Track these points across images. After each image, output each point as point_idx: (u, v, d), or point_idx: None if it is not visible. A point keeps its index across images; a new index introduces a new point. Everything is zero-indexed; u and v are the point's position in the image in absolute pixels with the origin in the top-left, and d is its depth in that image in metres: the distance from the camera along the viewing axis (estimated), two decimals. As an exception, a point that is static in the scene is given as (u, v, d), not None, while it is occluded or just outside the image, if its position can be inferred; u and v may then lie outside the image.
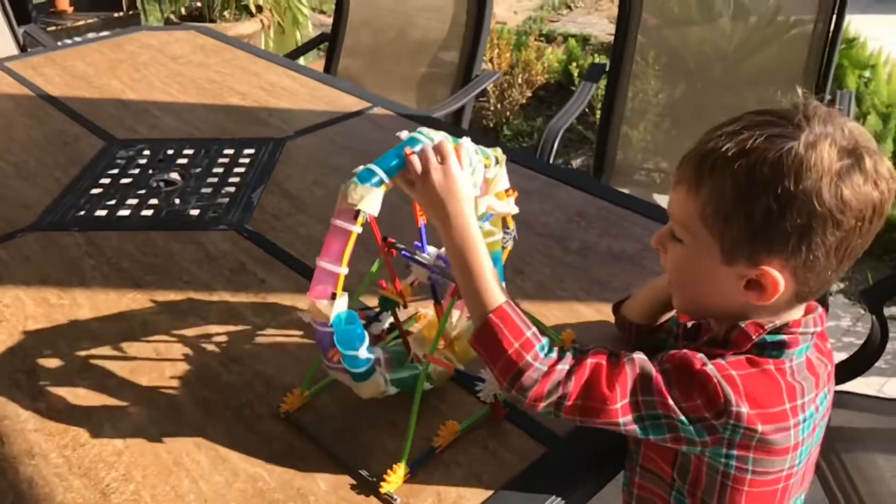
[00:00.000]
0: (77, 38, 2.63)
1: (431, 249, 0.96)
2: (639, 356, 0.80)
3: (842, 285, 2.45)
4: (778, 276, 0.76)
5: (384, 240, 0.93)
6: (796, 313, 0.82)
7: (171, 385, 1.02)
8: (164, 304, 1.17)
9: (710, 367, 0.77)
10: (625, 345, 0.98)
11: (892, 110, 2.81)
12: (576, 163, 3.22)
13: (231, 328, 1.12)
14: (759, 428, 0.77)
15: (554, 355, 0.80)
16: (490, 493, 0.86)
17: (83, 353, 1.08)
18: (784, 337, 0.80)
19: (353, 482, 0.88)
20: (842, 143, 0.74)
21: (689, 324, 0.91)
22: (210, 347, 1.08)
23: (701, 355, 0.79)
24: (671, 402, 0.77)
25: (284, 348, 1.08)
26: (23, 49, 2.58)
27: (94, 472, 0.90)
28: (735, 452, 0.79)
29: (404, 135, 0.87)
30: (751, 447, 0.78)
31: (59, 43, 2.49)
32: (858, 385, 1.41)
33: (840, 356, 1.48)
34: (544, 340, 0.81)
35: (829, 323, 2.23)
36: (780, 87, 2.17)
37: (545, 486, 0.87)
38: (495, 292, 0.82)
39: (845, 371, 1.38)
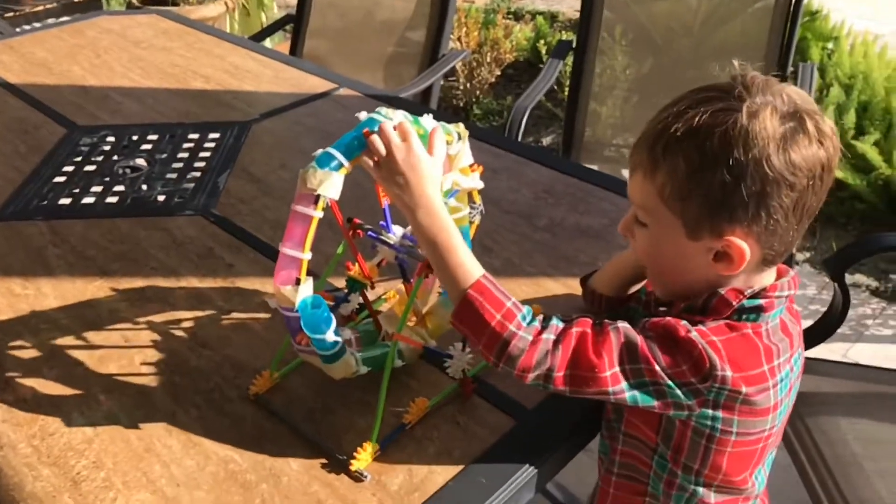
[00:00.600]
0: (36, 24, 2.58)
1: (397, 229, 0.96)
2: (623, 324, 0.81)
3: (807, 255, 2.49)
4: (743, 244, 0.79)
5: (349, 220, 0.93)
6: (769, 277, 0.85)
7: (139, 371, 1.01)
8: (131, 291, 1.17)
9: (693, 334, 0.79)
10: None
11: (854, 81, 2.84)
12: (546, 140, 3.23)
13: (199, 313, 1.11)
14: (743, 389, 0.79)
15: (537, 324, 0.81)
16: (461, 467, 0.87)
17: (50, 342, 1.07)
18: (761, 301, 0.82)
19: (325, 461, 0.88)
20: (783, 109, 0.77)
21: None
22: (178, 333, 1.08)
23: (684, 322, 0.80)
24: (657, 368, 0.79)
25: (253, 331, 1.08)
26: (-21, 36, 2.52)
27: (64, 461, 0.89)
28: (720, 414, 0.81)
29: (363, 115, 0.87)
30: (735, 409, 0.81)
31: (18, 29, 2.44)
32: (823, 351, 1.44)
33: (806, 324, 1.51)
34: (525, 309, 0.81)
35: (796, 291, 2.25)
36: (746, 61, 2.19)
37: (516, 458, 0.88)
38: (471, 267, 0.82)
39: (809, 338, 1.40)
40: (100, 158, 1.54)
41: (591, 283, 1.05)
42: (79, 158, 1.55)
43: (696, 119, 0.77)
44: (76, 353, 1.05)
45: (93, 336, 1.08)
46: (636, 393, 0.80)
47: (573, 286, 1.13)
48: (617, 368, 0.79)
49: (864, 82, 2.83)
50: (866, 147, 2.59)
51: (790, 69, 2.06)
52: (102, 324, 1.10)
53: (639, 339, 0.80)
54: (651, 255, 0.87)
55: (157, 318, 1.11)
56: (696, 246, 0.81)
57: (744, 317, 0.82)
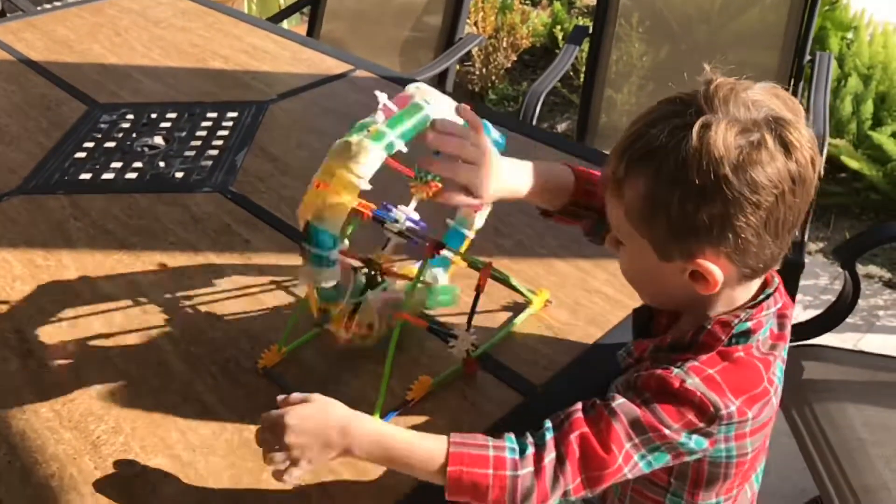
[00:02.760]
0: (57, 3, 2.60)
1: (401, 210, 0.95)
2: (618, 403, 0.77)
3: (821, 245, 2.49)
4: (712, 267, 0.75)
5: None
6: (753, 287, 0.82)
7: (157, 342, 1.04)
8: (150, 264, 1.19)
9: (689, 382, 0.76)
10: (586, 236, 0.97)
11: (873, 72, 2.82)
12: (561, 127, 3.23)
13: (216, 287, 1.14)
14: (750, 415, 0.78)
15: (531, 450, 0.76)
16: (469, 440, 0.89)
17: (70, 311, 1.10)
18: (749, 325, 0.80)
19: (337, 432, 0.90)
20: (745, 120, 0.72)
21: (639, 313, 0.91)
22: (195, 305, 1.10)
23: (675, 371, 0.77)
24: (666, 431, 0.76)
25: (268, 306, 1.10)
26: (2, 14, 2.56)
27: (84, 425, 0.92)
28: (734, 444, 0.80)
29: (383, 97, 0.87)
30: (746, 433, 0.80)
31: (39, 8, 2.46)
32: (834, 340, 1.45)
33: (815, 312, 1.52)
34: (508, 440, 0.77)
35: (807, 281, 2.29)
36: (763, 49, 2.19)
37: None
38: (432, 447, 0.77)
39: (817, 325, 1.42)
40: (119, 135, 1.57)
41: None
42: (99, 135, 1.57)
43: (655, 138, 0.73)
44: (96, 323, 1.07)
45: (112, 307, 1.10)
46: (650, 458, 0.77)
47: (583, 267, 1.15)
48: (627, 447, 0.76)
49: (883, 73, 2.80)
50: (883, 138, 2.58)
51: (808, 58, 2.05)
52: (121, 295, 1.13)
53: (638, 410, 0.76)
54: (630, 272, 0.85)
55: (175, 290, 1.13)
56: (669, 266, 0.78)
57: (733, 342, 0.80)
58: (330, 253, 0.87)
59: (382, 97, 0.87)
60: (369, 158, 0.82)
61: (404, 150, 0.84)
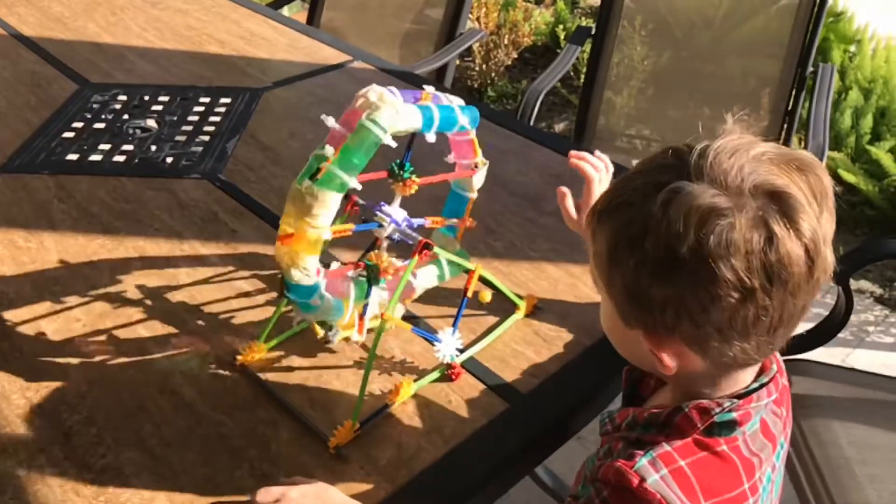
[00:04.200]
0: (54, -21, 2.55)
1: (394, 210, 0.94)
2: None
3: (814, 258, 2.47)
4: (666, 357, 0.66)
5: (347, 198, 0.91)
6: (745, 375, 0.70)
7: (136, 330, 1.02)
8: (134, 249, 1.17)
9: (649, 482, 0.65)
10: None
11: (874, 86, 2.81)
12: (559, 127, 3.21)
13: (200, 276, 1.11)
14: None
15: None
16: (451, 446, 0.87)
17: (49, 296, 1.07)
18: (735, 415, 0.68)
19: (316, 432, 0.88)
20: (725, 191, 0.60)
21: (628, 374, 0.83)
22: (178, 295, 1.08)
23: (638, 464, 0.66)
24: None
25: (252, 298, 1.08)
26: (-3, -13, 2.51)
27: (56, 415, 0.90)
28: None
29: (330, 121, 0.84)
30: None
31: (35, -18, 2.42)
32: (823, 355, 1.43)
33: (806, 326, 1.50)
34: None
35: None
36: (766, 58, 2.17)
37: (506, 441, 0.88)
38: None
39: (808, 340, 1.40)
40: (110, 116, 1.54)
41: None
42: (89, 115, 1.54)
43: (631, 192, 0.64)
44: (75, 309, 1.05)
45: (92, 292, 1.08)
46: None
47: (574, 272, 1.13)
48: None
49: (884, 87, 2.80)
50: (881, 153, 2.57)
51: (810, 69, 2.03)
52: (103, 281, 1.10)
53: None
54: (604, 325, 0.75)
55: (158, 278, 1.11)
56: (632, 333, 0.68)
57: (714, 432, 0.68)
58: (312, 299, 0.86)
59: (329, 121, 0.85)
60: (324, 208, 0.81)
61: (358, 187, 0.83)
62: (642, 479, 0.66)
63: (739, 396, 0.69)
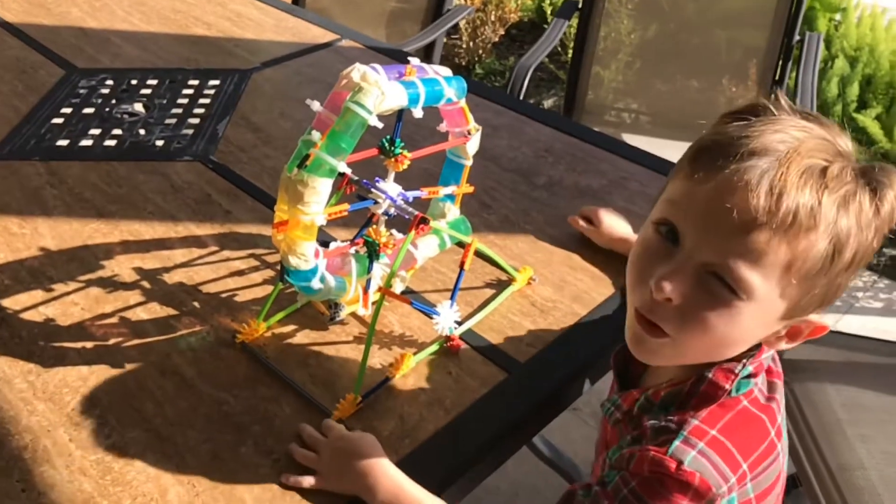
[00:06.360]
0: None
1: (389, 185, 0.94)
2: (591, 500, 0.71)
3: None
4: (827, 321, 0.70)
5: (342, 175, 0.92)
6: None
7: (134, 312, 1.02)
8: (129, 233, 1.17)
9: (687, 462, 0.67)
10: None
11: (859, 54, 2.82)
12: (547, 103, 3.20)
13: (196, 258, 1.12)
14: (750, 484, 0.71)
15: None
16: (452, 416, 0.88)
17: (46, 281, 1.07)
18: (751, 368, 0.72)
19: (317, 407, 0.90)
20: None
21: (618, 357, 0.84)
22: (174, 276, 1.08)
23: (672, 449, 0.68)
24: None
25: (249, 277, 1.08)
26: (-23, -26, 2.48)
27: (59, 397, 0.90)
28: None
29: (315, 105, 0.85)
30: (752, 502, 0.72)
31: (15, -32, 2.39)
32: (813, 321, 1.45)
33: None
34: None
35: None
36: (752, 28, 2.18)
37: (506, 410, 0.89)
38: None
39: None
40: (98, 101, 1.53)
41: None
42: (77, 100, 1.53)
43: (849, 189, 0.65)
44: (72, 293, 1.05)
45: (89, 276, 1.08)
46: None
47: (570, 245, 1.14)
48: None
49: (870, 55, 2.80)
50: (867, 121, 2.58)
51: (796, 38, 2.04)
52: (99, 265, 1.10)
53: None
54: (718, 328, 0.67)
55: (154, 261, 1.11)
56: (780, 324, 0.69)
57: (733, 391, 0.71)
58: (312, 282, 0.88)
59: (314, 105, 0.86)
60: (315, 195, 0.82)
61: (348, 171, 0.84)
62: (679, 463, 0.67)
63: (754, 349, 0.72)
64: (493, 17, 3.43)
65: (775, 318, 0.68)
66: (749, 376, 0.72)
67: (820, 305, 0.68)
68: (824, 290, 0.66)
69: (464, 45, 3.43)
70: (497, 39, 3.48)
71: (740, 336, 0.69)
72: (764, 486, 0.73)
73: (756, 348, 0.72)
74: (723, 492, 0.68)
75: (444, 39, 2.80)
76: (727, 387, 0.70)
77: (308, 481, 0.81)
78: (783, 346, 0.72)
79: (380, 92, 0.83)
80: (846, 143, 0.68)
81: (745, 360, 0.71)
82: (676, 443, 0.68)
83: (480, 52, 3.43)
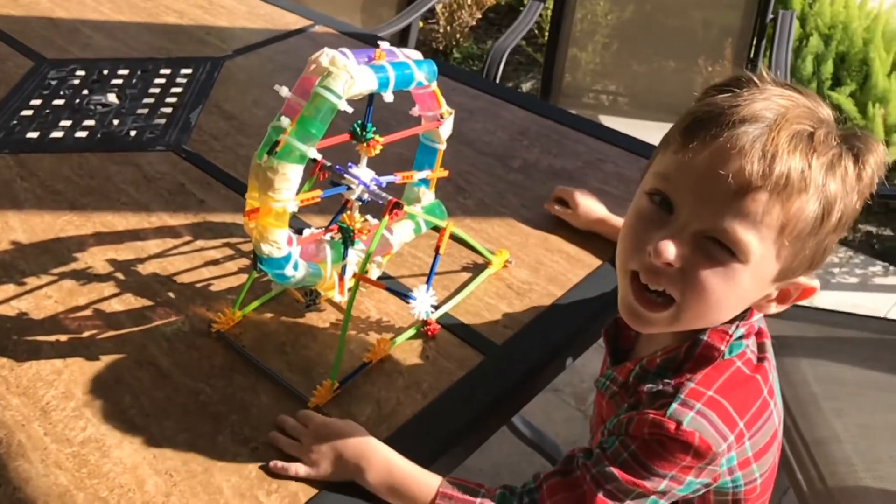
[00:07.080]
0: (1, -46, 2.48)
1: (362, 171, 0.94)
2: (596, 470, 0.73)
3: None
4: (815, 283, 0.72)
5: (314, 161, 0.91)
6: None
7: (109, 304, 1.01)
8: (102, 224, 1.16)
9: (686, 423, 0.69)
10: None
11: (833, 32, 2.83)
12: (525, 86, 3.20)
13: (170, 248, 1.11)
14: (748, 443, 0.73)
15: None
16: (429, 400, 0.88)
17: (18, 274, 1.06)
18: (743, 330, 0.74)
19: (294, 394, 0.89)
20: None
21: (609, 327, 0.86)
22: (149, 267, 1.08)
23: (671, 411, 0.70)
24: (658, 486, 0.71)
25: (224, 267, 1.08)
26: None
27: (34, 391, 0.90)
28: (739, 472, 0.75)
29: (284, 91, 0.85)
30: (751, 459, 0.75)
31: (-18, -42, 2.35)
32: (790, 297, 1.47)
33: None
34: (498, 494, 0.77)
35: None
36: (726, 8, 2.18)
37: (483, 392, 0.90)
38: (426, 482, 0.78)
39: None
40: (69, 92, 1.51)
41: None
42: (47, 92, 1.51)
43: (836, 152, 0.67)
44: (45, 286, 1.04)
45: (62, 269, 1.07)
46: None
47: (545, 226, 1.14)
48: None
49: (844, 33, 2.82)
50: (842, 98, 2.60)
51: (770, 17, 2.04)
52: (72, 257, 1.09)
53: (615, 471, 0.71)
54: (717, 292, 0.69)
55: (128, 252, 1.10)
56: (771, 286, 0.71)
57: (726, 353, 0.73)
58: (286, 269, 0.87)
59: (283, 91, 0.85)
60: (285, 182, 0.81)
61: (318, 157, 0.84)
62: (678, 424, 0.69)
63: (745, 311, 0.74)
64: (469, 1, 3.42)
65: (768, 280, 0.70)
66: (741, 338, 0.74)
67: (809, 267, 0.70)
68: (813, 251, 0.69)
69: (441, 30, 3.42)
70: (474, 23, 3.46)
71: (736, 299, 0.71)
72: (761, 445, 0.75)
73: (746, 312, 0.74)
74: (722, 450, 0.70)
75: (421, 24, 2.79)
76: (722, 347, 0.73)
77: (296, 468, 0.80)
78: (773, 308, 0.74)
79: (349, 76, 0.82)
80: (826, 111, 0.71)
81: (737, 322, 0.73)
82: (674, 405, 0.70)
83: (458, 36, 3.41)
